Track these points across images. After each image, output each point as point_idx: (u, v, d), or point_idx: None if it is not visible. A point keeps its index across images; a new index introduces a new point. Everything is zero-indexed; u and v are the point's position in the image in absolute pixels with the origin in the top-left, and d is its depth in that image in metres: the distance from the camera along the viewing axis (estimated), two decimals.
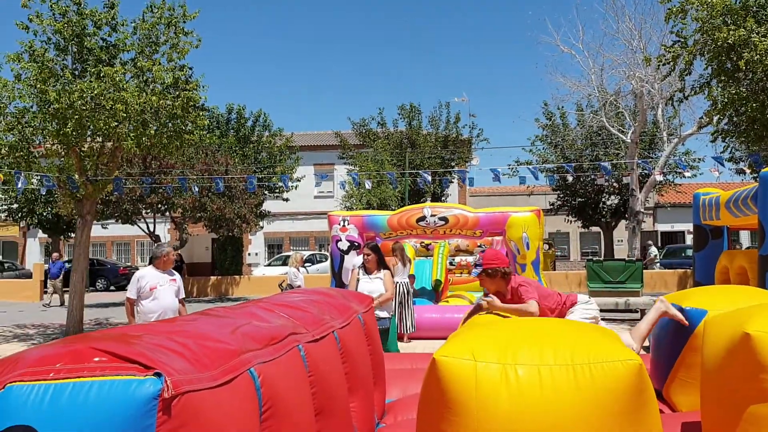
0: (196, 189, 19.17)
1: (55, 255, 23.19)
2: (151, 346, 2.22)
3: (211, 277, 28.34)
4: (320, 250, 34.79)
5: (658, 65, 13.47)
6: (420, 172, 15.92)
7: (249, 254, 37.76)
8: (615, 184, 27.16)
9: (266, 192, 26.83)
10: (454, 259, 15.57)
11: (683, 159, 18.50)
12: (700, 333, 3.84)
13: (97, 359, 2.04)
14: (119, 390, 1.94)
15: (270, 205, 29.14)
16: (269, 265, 31.79)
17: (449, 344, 2.60)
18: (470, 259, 15.58)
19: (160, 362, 2.06)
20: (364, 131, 28.43)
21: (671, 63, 13.16)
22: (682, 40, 12.99)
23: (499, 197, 33.44)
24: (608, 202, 28.18)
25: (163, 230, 33.49)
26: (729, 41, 11.49)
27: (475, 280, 14.98)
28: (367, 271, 7.05)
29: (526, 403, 2.41)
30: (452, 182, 28.74)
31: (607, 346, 2.54)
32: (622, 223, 29.49)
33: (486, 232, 13.27)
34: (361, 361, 4.25)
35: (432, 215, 13.10)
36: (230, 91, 79.44)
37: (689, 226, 34.65)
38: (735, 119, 12.22)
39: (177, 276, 7.29)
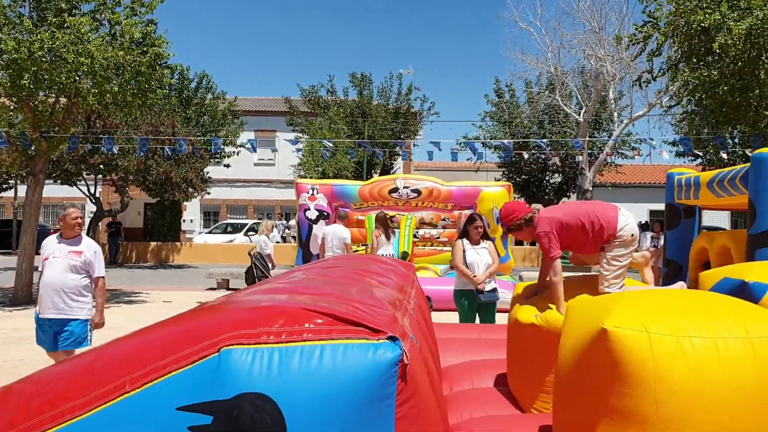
0: (143, 151, 18.41)
1: None
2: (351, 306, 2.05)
3: (151, 242, 27.44)
4: (261, 219, 34.16)
5: (628, 45, 13.71)
6: (367, 143, 15.74)
7: (183, 221, 36.76)
8: (558, 163, 27.71)
9: (207, 157, 26.09)
10: (417, 232, 15.53)
11: (641, 139, 19.01)
12: (764, 305, 3.90)
13: (320, 321, 1.86)
14: (355, 354, 1.78)
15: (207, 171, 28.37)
16: (210, 232, 31.02)
17: (616, 315, 2.50)
18: (434, 231, 15.58)
19: (386, 325, 1.89)
20: (313, 98, 27.97)
21: (642, 43, 13.39)
22: (654, 21, 13.22)
23: (444, 172, 33.59)
24: (551, 181, 28.76)
25: (96, 192, 32.18)
26: (703, 24, 11.77)
27: (439, 253, 15.00)
28: (473, 241, 6.76)
29: (705, 377, 2.34)
30: (398, 155, 28.75)
31: None
32: (564, 200, 30.19)
33: (457, 205, 13.30)
34: (428, 327, 4.15)
35: (405, 187, 13.03)
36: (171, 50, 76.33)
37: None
38: (705, 102, 12.58)
39: (84, 248, 5.74)
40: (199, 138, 19.87)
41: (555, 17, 39.24)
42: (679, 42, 12.69)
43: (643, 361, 2.38)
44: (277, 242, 26.09)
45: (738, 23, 11.40)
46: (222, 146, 18.14)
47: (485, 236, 6.85)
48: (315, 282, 2.88)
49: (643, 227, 18.93)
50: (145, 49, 12.48)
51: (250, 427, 1.69)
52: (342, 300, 2.27)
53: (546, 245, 4.08)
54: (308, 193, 13.34)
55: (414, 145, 25.90)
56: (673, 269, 10.98)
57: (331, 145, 17.11)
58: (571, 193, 28.01)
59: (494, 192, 13.06)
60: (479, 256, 6.64)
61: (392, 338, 1.82)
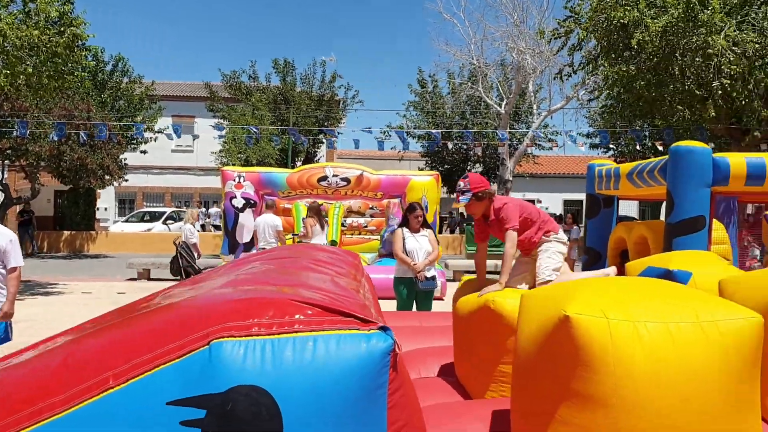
0: (60, 135, 17.64)
1: None
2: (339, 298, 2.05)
3: (64, 232, 26.33)
4: (180, 207, 33.34)
5: (550, 39, 14.10)
6: (294, 131, 15.61)
7: (98, 209, 35.44)
8: (479, 153, 28.25)
9: (124, 143, 25.21)
10: (345, 221, 15.56)
11: (557, 131, 19.64)
12: None
13: (309, 312, 1.85)
14: (349, 345, 1.79)
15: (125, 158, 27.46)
16: (127, 221, 30.04)
17: (577, 302, 2.59)
18: (361, 220, 15.64)
19: (373, 316, 1.91)
20: (235, 84, 27.44)
21: (564, 37, 13.81)
22: (575, 16, 13.64)
23: (367, 161, 33.66)
24: (473, 170, 29.30)
25: (3, 179, 30.58)
26: (623, 21, 12.24)
27: (366, 242, 15.07)
28: (412, 230, 6.82)
29: (660, 360, 2.46)
30: (322, 143, 28.61)
31: (724, 304, 2.66)
32: None
33: (386, 194, 13.38)
34: (381, 316, 4.18)
35: (334, 175, 13.00)
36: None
37: (539, 195, 37.05)
38: (622, 96, 13.11)
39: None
40: (116, 123, 19.14)
41: (479, 9, 39.89)
42: (599, 37, 13.13)
43: (603, 346, 2.48)
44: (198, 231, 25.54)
45: (655, 21, 11.92)
46: (144, 131, 17.56)
47: (425, 224, 6.96)
48: (278, 273, 2.86)
49: (557, 220, 19.60)
50: (62, 29, 11.93)
51: (245, 420, 1.67)
52: (318, 291, 2.27)
53: (510, 213, 4.19)
54: (234, 180, 13.11)
55: (338, 134, 25.84)
56: (593, 257, 11.43)
57: (257, 131, 16.86)
58: (492, 183, 28.61)
59: (423, 181, 13.23)
60: (418, 244, 6.75)
61: (383, 328, 1.84)
